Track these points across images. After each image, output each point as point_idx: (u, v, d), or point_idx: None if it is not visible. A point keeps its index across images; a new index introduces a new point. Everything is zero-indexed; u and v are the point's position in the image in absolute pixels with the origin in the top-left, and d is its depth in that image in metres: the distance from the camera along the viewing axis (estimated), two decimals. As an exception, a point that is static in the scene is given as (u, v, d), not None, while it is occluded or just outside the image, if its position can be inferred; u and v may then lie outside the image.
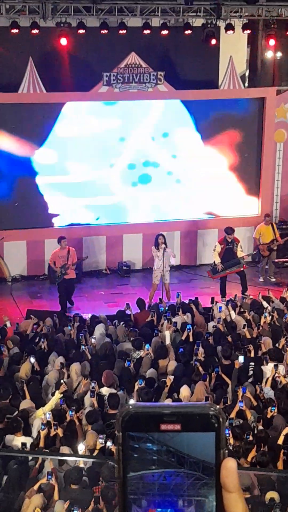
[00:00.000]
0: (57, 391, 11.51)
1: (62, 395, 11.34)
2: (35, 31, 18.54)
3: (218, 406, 1.43)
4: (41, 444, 10.15)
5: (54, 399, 11.29)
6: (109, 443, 9.80)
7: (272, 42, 20.15)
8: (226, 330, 14.65)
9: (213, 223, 21.07)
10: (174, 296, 16.73)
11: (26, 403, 11.39)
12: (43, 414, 10.83)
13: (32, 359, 12.83)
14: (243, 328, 14.45)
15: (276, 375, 12.44)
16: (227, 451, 1.42)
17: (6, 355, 13.32)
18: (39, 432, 10.30)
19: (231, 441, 10.13)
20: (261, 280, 19.77)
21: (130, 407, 1.43)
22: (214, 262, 18.23)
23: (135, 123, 20.21)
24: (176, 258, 20.28)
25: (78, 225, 20.13)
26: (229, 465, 1.39)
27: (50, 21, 18.74)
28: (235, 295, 17.29)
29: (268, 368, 12.72)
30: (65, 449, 9.93)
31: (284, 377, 12.46)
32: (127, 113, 20.16)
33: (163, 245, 17.62)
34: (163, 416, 1.41)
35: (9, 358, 13.26)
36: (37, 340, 14.16)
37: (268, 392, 12.10)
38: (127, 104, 20.13)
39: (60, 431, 10.37)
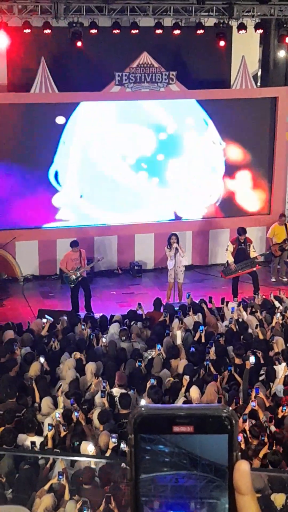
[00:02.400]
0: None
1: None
2: (47, 31, 18.55)
3: (231, 408, 1.42)
4: (49, 445, 10.15)
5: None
6: (122, 445, 9.79)
7: (286, 40, 20.12)
8: (239, 330, 14.62)
9: (225, 222, 21.05)
10: (185, 296, 16.72)
11: (45, 402, 11.42)
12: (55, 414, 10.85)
13: (42, 359, 12.84)
14: (256, 328, 14.43)
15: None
16: (240, 453, 1.41)
17: (18, 354, 13.32)
18: (47, 434, 10.32)
19: (247, 441, 10.11)
20: (273, 280, 19.73)
21: (143, 409, 1.42)
22: (227, 262, 18.21)
23: (147, 121, 20.20)
24: (188, 257, 20.27)
25: (90, 225, 20.14)
26: (242, 467, 1.38)
27: (62, 21, 18.75)
28: (250, 297, 17.29)
29: (280, 368, 12.71)
30: (85, 444, 9.91)
31: None
32: (140, 111, 20.15)
33: (175, 245, 17.63)
34: (176, 418, 1.40)
35: (22, 358, 13.27)
36: (46, 340, 14.19)
37: (281, 390, 12.09)
38: (140, 102, 20.12)
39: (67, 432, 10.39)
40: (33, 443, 10.13)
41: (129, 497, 1.42)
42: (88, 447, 9.84)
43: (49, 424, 10.36)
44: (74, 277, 17.35)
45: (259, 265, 18.51)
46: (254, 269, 18.13)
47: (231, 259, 18.05)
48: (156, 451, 1.41)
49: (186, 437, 1.40)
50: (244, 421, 10.46)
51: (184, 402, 11.34)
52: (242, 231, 18.09)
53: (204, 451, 1.40)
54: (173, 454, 1.41)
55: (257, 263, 18.23)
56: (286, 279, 19.69)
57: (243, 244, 18.03)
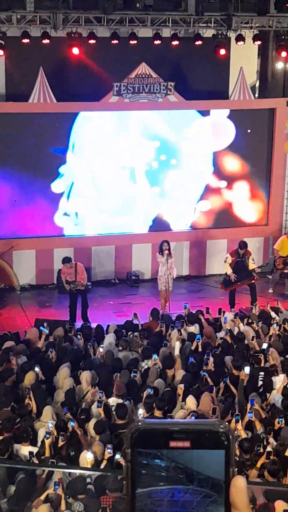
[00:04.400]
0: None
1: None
2: (46, 41, 18.61)
3: (228, 424, 1.42)
4: (47, 453, 10.13)
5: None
6: (117, 456, 9.77)
7: (283, 53, 20.20)
8: (233, 342, 14.60)
9: (222, 233, 21.06)
10: (181, 307, 16.69)
11: (46, 411, 11.41)
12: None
13: (37, 368, 12.82)
14: (252, 340, 14.41)
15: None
16: (236, 468, 1.41)
17: (14, 364, 13.30)
18: (43, 441, 10.29)
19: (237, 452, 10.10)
20: (271, 291, 19.68)
21: (140, 423, 1.42)
22: (226, 273, 18.12)
23: (145, 130, 20.23)
24: (185, 268, 20.29)
25: (87, 235, 20.13)
26: (239, 483, 1.38)
27: (61, 31, 18.80)
28: (247, 308, 17.28)
29: (278, 379, 12.69)
30: (84, 453, 9.89)
31: None
32: (137, 120, 20.18)
33: (167, 251, 17.60)
34: (173, 433, 1.41)
35: (18, 368, 13.25)
36: (43, 350, 14.17)
37: (279, 399, 12.07)
38: (138, 112, 20.16)
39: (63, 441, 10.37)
40: (31, 453, 10.11)
41: (125, 511, 1.42)
42: (87, 455, 9.81)
43: (46, 432, 10.34)
44: (68, 290, 17.32)
45: (258, 277, 18.44)
46: (253, 281, 18.10)
47: (229, 271, 17.96)
48: (153, 465, 1.41)
49: (183, 452, 1.40)
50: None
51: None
52: (243, 245, 18.01)
53: (200, 466, 1.40)
54: (169, 469, 1.41)
55: (255, 276, 18.17)
56: (287, 292, 19.50)
57: (242, 257, 17.98)
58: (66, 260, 17.38)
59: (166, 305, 17.88)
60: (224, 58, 20.43)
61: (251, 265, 18.00)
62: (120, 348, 14.24)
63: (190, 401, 11.71)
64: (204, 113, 20.57)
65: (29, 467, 9.86)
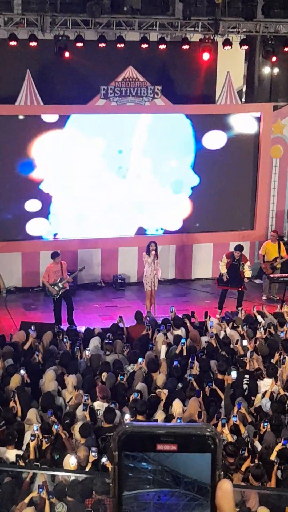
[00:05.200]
0: None
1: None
2: (33, 43, 18.59)
3: (214, 427, 1.43)
4: (31, 456, 10.10)
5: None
6: (103, 459, 9.76)
7: (271, 57, 20.29)
8: (218, 345, 14.62)
9: (208, 237, 21.08)
10: (168, 311, 16.70)
11: (31, 413, 11.37)
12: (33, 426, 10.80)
13: (22, 371, 12.78)
14: (236, 343, 14.43)
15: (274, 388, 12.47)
16: (222, 472, 1.42)
17: (0, 367, 13.26)
18: (28, 444, 10.26)
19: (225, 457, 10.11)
20: (264, 298, 19.65)
21: (127, 426, 1.43)
22: (221, 273, 18.24)
23: (132, 135, 20.23)
24: (171, 271, 20.31)
25: (73, 238, 20.10)
26: (225, 486, 1.39)
27: (48, 34, 18.79)
28: (233, 312, 17.33)
29: (264, 383, 12.72)
30: (68, 457, 9.86)
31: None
32: (125, 125, 20.18)
33: (154, 252, 17.62)
34: (160, 437, 1.41)
35: (3, 370, 13.22)
36: (29, 353, 14.14)
37: (266, 403, 12.09)
38: (125, 116, 20.16)
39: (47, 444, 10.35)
40: (18, 456, 10.09)
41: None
42: (70, 460, 9.79)
43: (31, 435, 10.32)
44: (55, 292, 17.30)
45: (246, 288, 18.46)
46: (240, 289, 18.15)
47: (224, 271, 18.11)
48: (139, 468, 1.42)
49: (170, 455, 1.41)
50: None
51: (165, 417, 11.34)
52: (238, 247, 18.17)
53: (187, 469, 1.41)
54: (156, 472, 1.41)
55: (243, 285, 18.21)
56: (278, 298, 19.51)
57: (236, 261, 18.04)
58: (55, 255, 17.47)
59: (152, 307, 17.90)
60: (211, 63, 20.47)
61: (247, 273, 18.02)
62: (108, 352, 14.21)
63: (177, 405, 11.72)
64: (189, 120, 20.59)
65: (14, 469, 9.82)
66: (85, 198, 20.05)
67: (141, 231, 20.62)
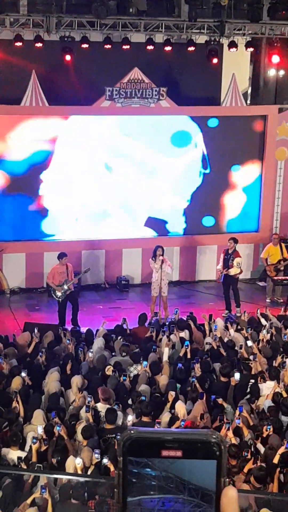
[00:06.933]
0: None
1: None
2: (39, 44, 18.60)
3: (220, 434, 1.42)
4: (34, 458, 10.09)
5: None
6: (105, 460, 9.74)
7: (276, 59, 20.25)
8: (222, 348, 14.59)
9: (212, 239, 21.06)
10: (172, 312, 16.70)
11: (37, 415, 11.37)
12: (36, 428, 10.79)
13: (23, 373, 12.77)
14: (241, 349, 14.38)
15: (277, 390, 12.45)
16: (227, 479, 1.41)
17: (5, 368, 13.25)
18: (31, 446, 10.25)
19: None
20: (268, 301, 19.64)
21: (132, 432, 1.42)
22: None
23: (136, 136, 20.23)
24: (175, 273, 20.28)
25: (78, 239, 20.11)
26: (230, 493, 1.38)
27: (54, 35, 18.80)
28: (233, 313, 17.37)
29: (266, 386, 12.69)
30: (71, 460, 9.85)
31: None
32: (129, 126, 20.19)
33: (161, 257, 17.57)
34: (165, 442, 1.40)
35: (8, 371, 13.21)
36: (33, 354, 14.13)
37: (269, 405, 12.07)
38: (130, 117, 20.17)
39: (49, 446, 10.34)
40: (19, 458, 10.07)
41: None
42: (76, 460, 9.76)
43: (33, 437, 10.30)
44: (60, 293, 17.27)
45: (218, 280, 18.64)
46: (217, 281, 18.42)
47: (219, 266, 18.24)
48: (143, 474, 1.41)
49: (174, 461, 1.40)
50: None
51: (170, 419, 11.34)
52: (232, 239, 18.24)
53: (191, 476, 1.40)
54: (160, 478, 1.41)
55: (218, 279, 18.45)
56: (282, 300, 19.50)
57: (228, 256, 18.09)
58: (61, 256, 17.38)
59: (163, 312, 17.84)
60: (216, 65, 20.46)
61: (234, 269, 18.03)
62: (124, 354, 14.15)
63: (180, 406, 11.71)
64: (195, 122, 20.60)
65: (16, 472, 9.81)
66: (89, 199, 20.06)
67: (146, 233, 20.61)
